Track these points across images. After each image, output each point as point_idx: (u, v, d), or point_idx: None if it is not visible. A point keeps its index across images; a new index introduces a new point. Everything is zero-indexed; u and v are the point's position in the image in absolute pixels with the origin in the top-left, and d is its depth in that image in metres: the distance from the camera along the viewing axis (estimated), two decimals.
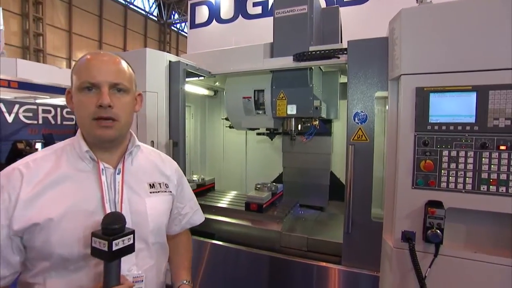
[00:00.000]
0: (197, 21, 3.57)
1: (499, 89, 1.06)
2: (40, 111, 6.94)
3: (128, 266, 0.84)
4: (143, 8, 17.95)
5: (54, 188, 0.75)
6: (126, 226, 0.75)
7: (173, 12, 19.78)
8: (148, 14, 18.30)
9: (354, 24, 2.58)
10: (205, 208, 2.07)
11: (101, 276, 0.75)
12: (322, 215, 2.15)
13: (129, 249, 0.75)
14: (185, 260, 1.15)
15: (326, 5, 2.78)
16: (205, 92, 2.64)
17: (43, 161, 0.80)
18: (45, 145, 6.81)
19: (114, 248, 0.70)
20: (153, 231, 0.91)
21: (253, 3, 3.25)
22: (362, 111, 1.41)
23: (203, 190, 2.37)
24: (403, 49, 1.18)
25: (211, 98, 2.87)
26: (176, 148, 1.78)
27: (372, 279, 1.38)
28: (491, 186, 1.09)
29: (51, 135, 6.65)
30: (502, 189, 1.08)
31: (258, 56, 1.90)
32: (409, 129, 1.19)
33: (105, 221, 0.73)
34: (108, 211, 0.80)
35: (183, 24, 20.61)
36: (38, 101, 6.79)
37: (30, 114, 6.84)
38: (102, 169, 0.84)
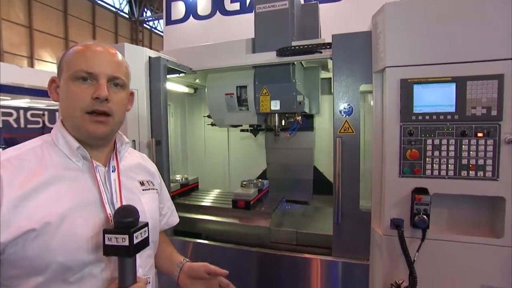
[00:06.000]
0: (173, 17, 3.47)
1: (476, 79, 1.13)
2: None
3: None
4: (112, 4, 17.16)
5: (45, 190, 0.67)
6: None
7: (145, 9, 19.11)
8: (118, 11, 17.52)
9: (330, 20, 2.63)
10: (191, 208, 2.02)
11: (110, 281, 0.70)
12: (308, 209, 2.17)
13: (145, 243, 0.70)
14: (173, 250, 1.11)
15: (305, 1, 2.81)
16: (185, 89, 2.56)
17: (21, 161, 0.69)
18: None
19: (135, 241, 0.65)
20: (151, 230, 0.85)
21: None
22: (348, 104, 1.44)
23: (187, 190, 2.31)
24: (387, 43, 1.21)
25: (191, 96, 2.80)
26: (159, 147, 1.71)
27: (363, 268, 1.41)
28: (470, 171, 1.16)
29: (14, 140, 6.15)
30: (480, 173, 1.15)
31: (240, 51, 1.87)
32: (394, 120, 1.23)
33: (118, 214, 0.68)
34: (108, 211, 0.74)
35: (156, 22, 19.98)
36: None
37: None
38: (96, 167, 0.77)
